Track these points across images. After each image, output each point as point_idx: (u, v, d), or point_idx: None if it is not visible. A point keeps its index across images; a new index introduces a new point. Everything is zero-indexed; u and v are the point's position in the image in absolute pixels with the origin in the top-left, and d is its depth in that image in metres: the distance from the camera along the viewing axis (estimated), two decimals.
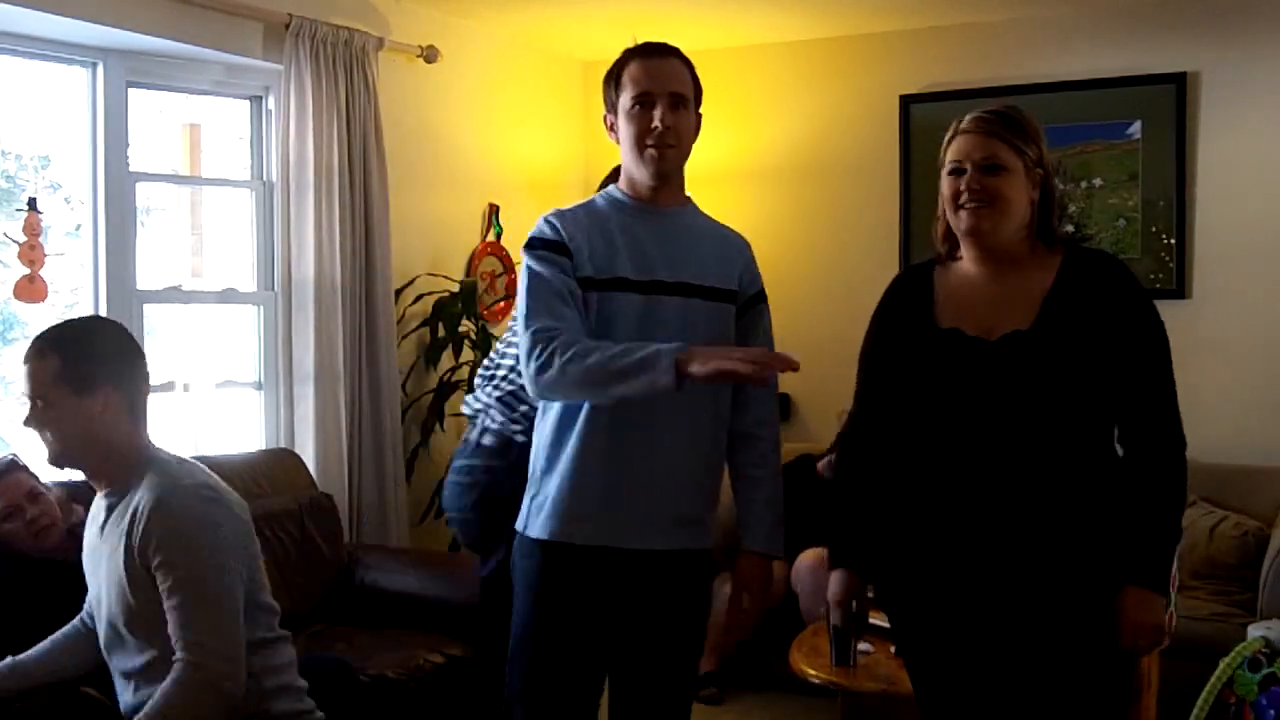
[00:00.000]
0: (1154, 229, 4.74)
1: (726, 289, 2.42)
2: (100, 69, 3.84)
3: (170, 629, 2.32)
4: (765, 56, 5.41)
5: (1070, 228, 4.77)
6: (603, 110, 2.47)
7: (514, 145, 5.23)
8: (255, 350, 4.33)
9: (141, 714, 2.28)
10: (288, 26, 4.09)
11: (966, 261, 2.27)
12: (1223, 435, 4.55)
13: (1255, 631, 3.38)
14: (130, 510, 2.38)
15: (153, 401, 2.55)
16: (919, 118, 5.09)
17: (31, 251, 3.59)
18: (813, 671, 3.27)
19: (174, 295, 4.21)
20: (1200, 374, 4.54)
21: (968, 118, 2.23)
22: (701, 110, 2.47)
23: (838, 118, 5.30)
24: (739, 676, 4.39)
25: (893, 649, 3.30)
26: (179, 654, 2.30)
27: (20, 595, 2.92)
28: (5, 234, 3.61)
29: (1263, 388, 4.58)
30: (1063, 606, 2.15)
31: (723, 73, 5.50)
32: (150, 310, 4.00)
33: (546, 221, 2.40)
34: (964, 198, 2.19)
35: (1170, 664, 3.39)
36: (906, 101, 5.12)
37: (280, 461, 4.03)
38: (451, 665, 3.53)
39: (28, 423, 2.40)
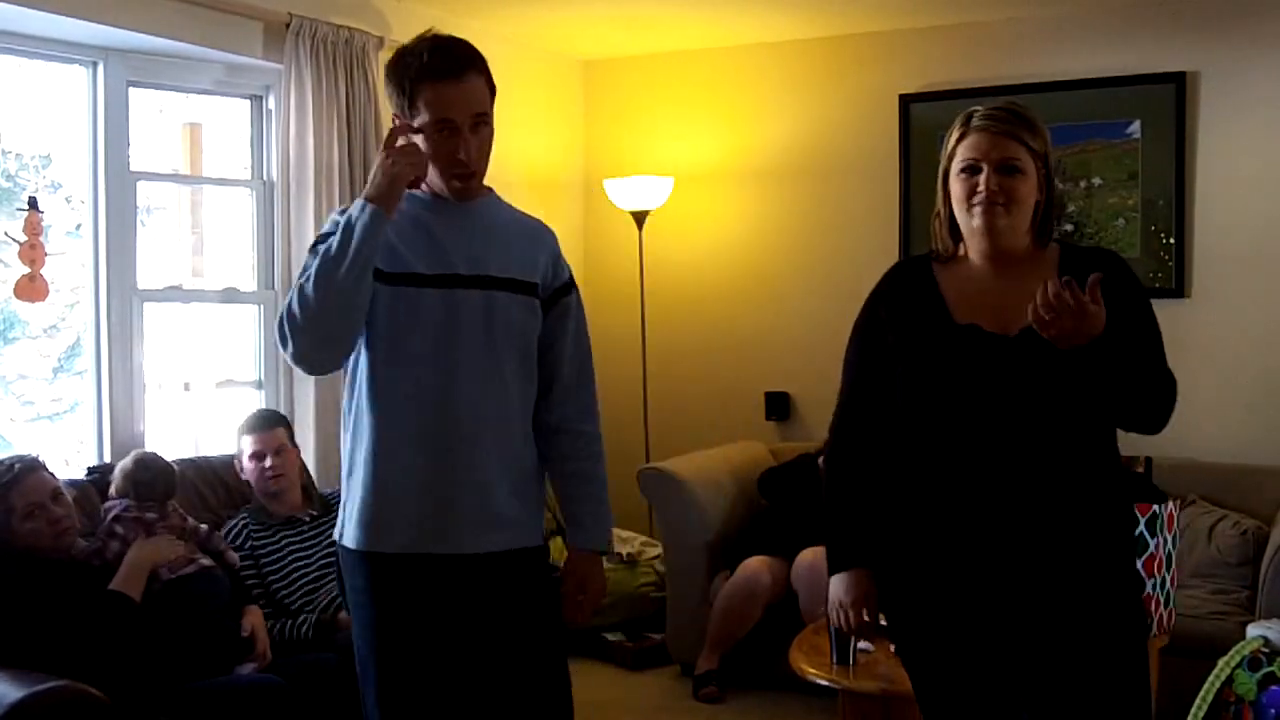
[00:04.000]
0: (1153, 228, 4.74)
1: (528, 281, 2.35)
2: (101, 68, 3.84)
3: None
4: (765, 56, 5.41)
5: (1070, 227, 4.78)
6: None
7: (514, 144, 5.22)
8: (255, 350, 4.33)
9: None
10: (288, 26, 4.09)
11: (973, 258, 2.24)
12: (1222, 435, 4.56)
13: (1255, 630, 3.38)
14: None
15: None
16: (919, 117, 5.09)
17: (32, 251, 3.59)
18: (813, 671, 3.27)
19: (174, 294, 4.21)
20: (1199, 373, 4.55)
21: (978, 115, 2.19)
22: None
23: (837, 117, 5.30)
24: (739, 676, 4.39)
25: (893, 648, 3.31)
26: None
27: (36, 596, 2.93)
28: (6, 233, 3.61)
29: (1262, 387, 4.58)
30: (1075, 604, 2.14)
31: (722, 72, 5.51)
32: (150, 309, 4.00)
33: (334, 216, 2.33)
34: (979, 197, 2.16)
35: (1169, 663, 3.40)
36: (906, 101, 5.12)
37: None
38: None
39: None
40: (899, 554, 2.26)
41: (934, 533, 2.21)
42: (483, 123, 2.31)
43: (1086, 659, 2.14)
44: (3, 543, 3.01)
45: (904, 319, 2.24)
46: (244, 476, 3.67)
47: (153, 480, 3.32)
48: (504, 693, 2.36)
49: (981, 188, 2.15)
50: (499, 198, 2.46)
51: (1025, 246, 2.22)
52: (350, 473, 2.34)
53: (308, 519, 3.59)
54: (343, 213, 2.28)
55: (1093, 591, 2.15)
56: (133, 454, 3.43)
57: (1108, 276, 2.14)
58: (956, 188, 2.20)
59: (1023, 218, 2.19)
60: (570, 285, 2.46)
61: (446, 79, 2.27)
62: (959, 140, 2.20)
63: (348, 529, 2.33)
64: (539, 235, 2.45)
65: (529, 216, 2.49)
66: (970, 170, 2.17)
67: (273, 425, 3.68)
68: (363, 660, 2.36)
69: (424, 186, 2.35)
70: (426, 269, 2.29)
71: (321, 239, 2.28)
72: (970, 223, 2.20)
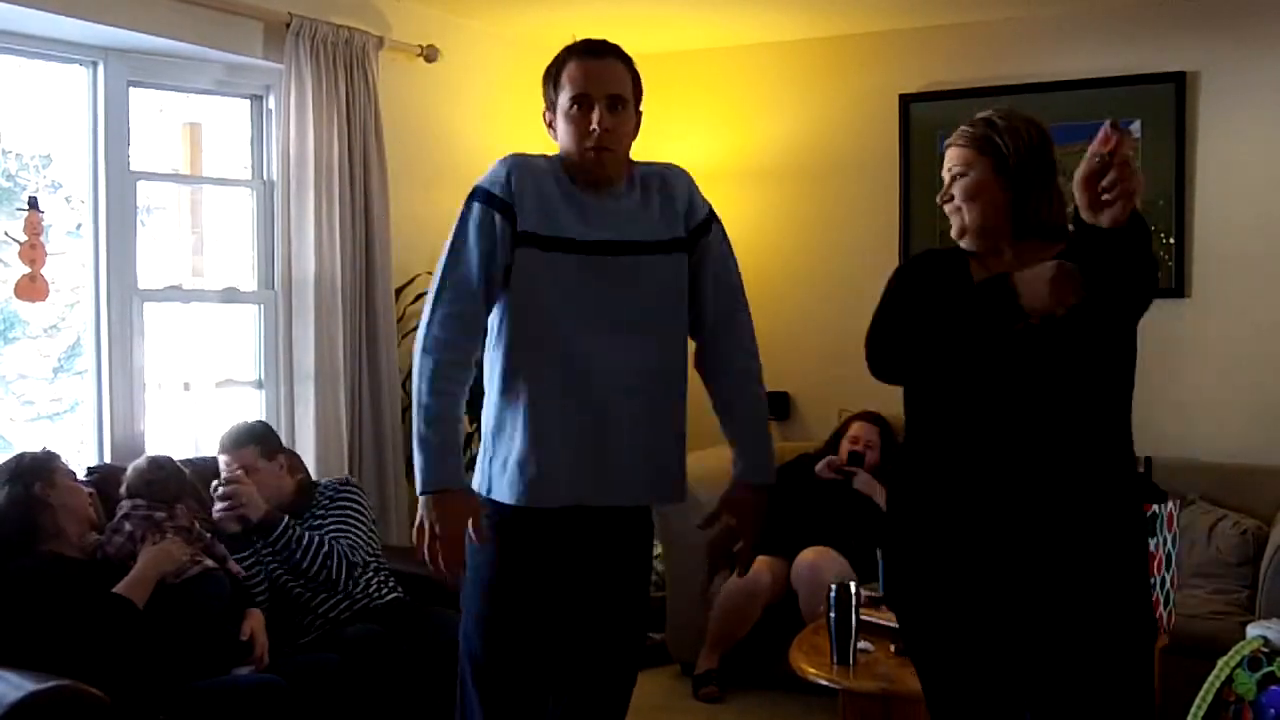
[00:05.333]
0: (1153, 228, 4.73)
1: (673, 238, 2.43)
2: (101, 68, 3.84)
3: None
4: (765, 56, 5.41)
5: (1070, 227, 4.77)
6: None
7: (514, 144, 5.19)
8: (255, 349, 4.33)
9: None
10: (288, 26, 4.09)
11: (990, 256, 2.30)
12: (1222, 434, 4.56)
13: (1254, 630, 3.38)
14: None
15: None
16: (919, 117, 5.09)
17: (32, 250, 3.59)
18: (813, 671, 3.27)
19: (174, 294, 4.21)
20: (1199, 373, 4.55)
21: (970, 121, 2.30)
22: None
23: (837, 117, 5.30)
24: (739, 675, 4.39)
25: (893, 648, 3.31)
26: None
27: (44, 591, 2.94)
28: (6, 233, 3.61)
29: (1261, 387, 4.58)
30: (1082, 601, 2.15)
31: (722, 72, 5.50)
32: (151, 309, 4.00)
33: (502, 169, 2.41)
34: (943, 196, 2.28)
35: (1169, 663, 3.39)
36: (906, 101, 5.12)
37: None
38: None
39: None
40: (910, 548, 2.27)
41: (945, 525, 2.22)
42: (620, 106, 2.38)
43: (1090, 659, 2.15)
44: (29, 526, 3.03)
45: (932, 287, 2.28)
46: None
47: (165, 481, 3.34)
48: (600, 639, 2.50)
49: (946, 185, 2.28)
50: (636, 167, 2.49)
51: (1004, 241, 2.26)
52: (498, 429, 2.40)
53: (281, 520, 3.49)
54: (514, 167, 2.40)
55: (1100, 590, 2.15)
56: (146, 455, 3.45)
57: None
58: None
59: (978, 215, 2.25)
60: (708, 223, 2.50)
61: (589, 56, 2.40)
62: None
63: (500, 484, 2.39)
64: (673, 181, 2.49)
65: (660, 165, 2.53)
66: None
67: (239, 445, 3.60)
68: (478, 603, 2.46)
69: (568, 167, 2.43)
70: (579, 235, 2.37)
71: (487, 197, 2.39)
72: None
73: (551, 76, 2.42)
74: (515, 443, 2.37)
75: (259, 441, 3.65)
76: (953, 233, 2.31)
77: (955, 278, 2.28)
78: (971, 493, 2.19)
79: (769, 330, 5.40)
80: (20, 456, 3.14)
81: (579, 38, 2.44)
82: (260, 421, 3.85)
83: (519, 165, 2.41)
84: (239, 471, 3.49)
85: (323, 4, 4.25)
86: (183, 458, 3.58)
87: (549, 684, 2.49)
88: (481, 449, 2.46)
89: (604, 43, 2.44)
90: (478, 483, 2.46)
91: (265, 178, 4.32)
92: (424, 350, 2.37)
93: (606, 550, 2.46)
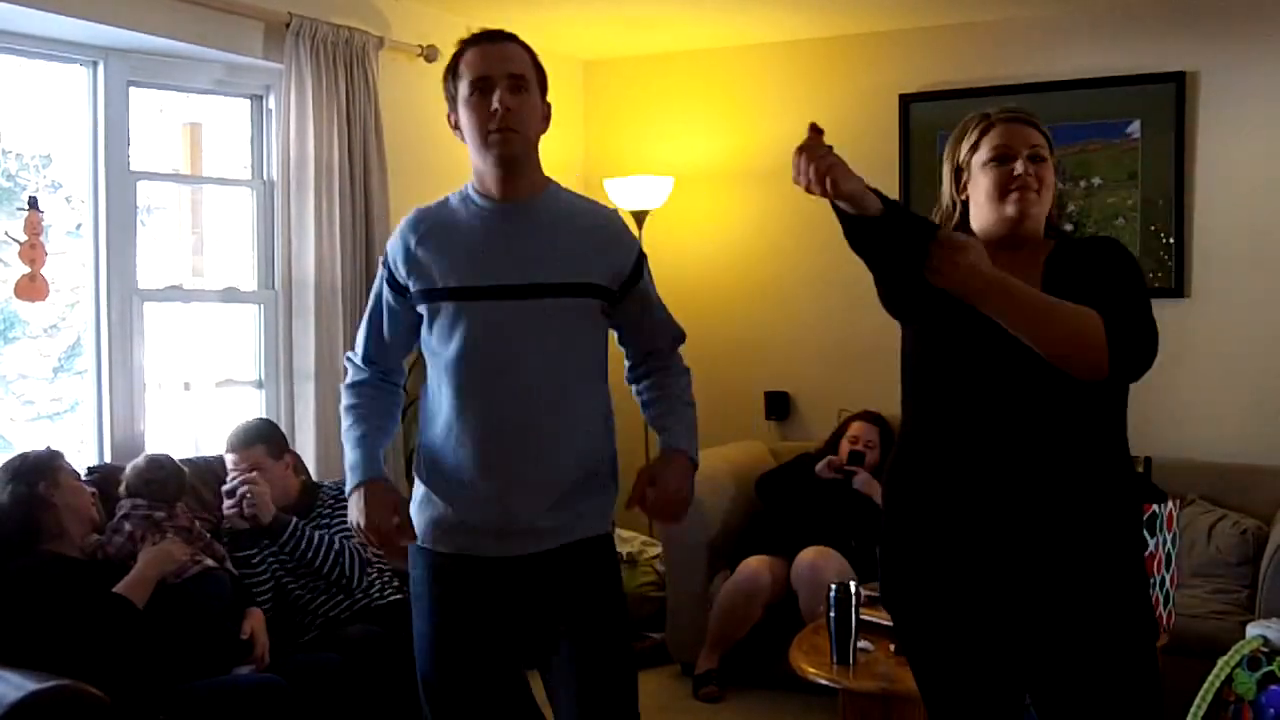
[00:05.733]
0: (1153, 228, 4.74)
1: (586, 283, 2.34)
2: (101, 68, 3.84)
3: None
4: (765, 56, 5.41)
5: (1070, 227, 4.78)
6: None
7: None
8: (256, 349, 4.33)
9: None
10: (288, 26, 4.09)
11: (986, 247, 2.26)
12: (1221, 434, 4.56)
13: (1254, 630, 3.38)
14: None
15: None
16: (919, 118, 5.09)
17: (32, 250, 3.59)
18: (813, 670, 3.27)
19: (175, 294, 4.22)
20: (1199, 373, 4.55)
21: (996, 111, 2.25)
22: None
23: (837, 117, 5.24)
24: (739, 675, 4.39)
25: (892, 648, 3.31)
26: None
27: (45, 591, 2.94)
28: (6, 233, 3.61)
29: (1261, 387, 4.58)
30: (1078, 596, 2.14)
31: (722, 72, 5.50)
32: (151, 309, 4.00)
33: (397, 234, 2.41)
34: (1016, 183, 2.19)
35: (1169, 662, 3.38)
36: (906, 101, 5.12)
37: None
38: None
39: None
40: (904, 547, 2.27)
41: (939, 522, 2.21)
42: (522, 87, 2.31)
43: (1090, 658, 2.14)
44: (32, 525, 3.03)
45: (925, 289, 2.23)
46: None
47: (165, 480, 3.34)
48: (570, 681, 2.40)
49: (1019, 172, 2.19)
50: (559, 187, 2.45)
51: (1040, 232, 2.25)
52: (419, 467, 2.42)
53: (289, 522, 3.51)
54: (410, 226, 2.41)
55: (1097, 588, 2.15)
56: (145, 454, 3.45)
57: (1103, 254, 2.16)
58: (985, 178, 2.23)
59: (1050, 203, 2.24)
60: (638, 269, 2.43)
61: (485, 42, 2.33)
62: (983, 133, 2.23)
63: (417, 525, 2.40)
64: (599, 230, 2.42)
65: (591, 205, 2.47)
66: (1002, 159, 2.21)
67: (247, 444, 3.61)
68: (419, 639, 2.43)
69: (477, 183, 2.38)
70: (475, 281, 2.30)
71: (383, 262, 2.43)
72: (1003, 210, 2.21)
73: (450, 71, 2.35)
74: (420, 488, 2.46)
75: (267, 441, 3.66)
76: (1011, 215, 2.19)
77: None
78: (965, 491, 2.18)
79: (769, 330, 5.47)
80: (24, 455, 3.14)
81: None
82: (267, 420, 3.86)
83: (413, 225, 2.39)
84: (253, 473, 3.49)
85: (323, 4, 4.25)
86: (183, 457, 3.58)
87: (504, 706, 2.42)
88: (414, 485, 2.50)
89: (500, 31, 2.36)
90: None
91: (265, 178, 4.32)
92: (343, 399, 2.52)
93: (548, 592, 2.37)
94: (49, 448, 3.20)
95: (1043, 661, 2.18)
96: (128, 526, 3.22)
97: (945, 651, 2.25)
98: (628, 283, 2.41)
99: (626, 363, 2.55)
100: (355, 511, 2.37)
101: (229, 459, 3.59)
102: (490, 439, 2.31)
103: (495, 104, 2.27)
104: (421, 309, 2.37)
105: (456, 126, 2.37)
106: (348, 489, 2.41)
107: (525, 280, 2.30)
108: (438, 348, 2.37)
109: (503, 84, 2.28)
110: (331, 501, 3.67)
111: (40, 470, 3.08)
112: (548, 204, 2.41)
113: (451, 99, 2.36)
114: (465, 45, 2.34)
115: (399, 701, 3.28)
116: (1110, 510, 2.17)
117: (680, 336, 2.55)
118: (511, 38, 2.36)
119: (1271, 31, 4.58)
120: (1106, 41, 4.81)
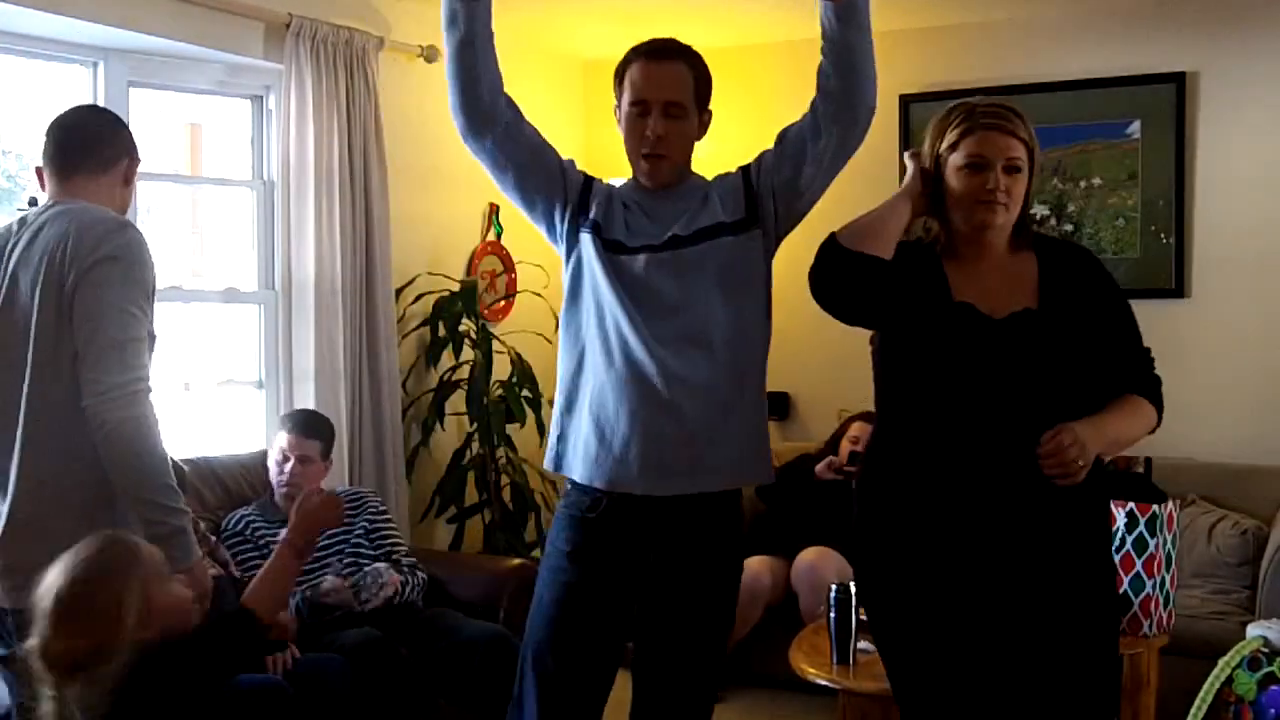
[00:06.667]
0: (1153, 228, 4.75)
1: (713, 224, 2.45)
2: (101, 68, 3.84)
3: None
4: (766, 55, 5.41)
5: (1069, 227, 4.78)
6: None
7: None
8: (256, 349, 4.33)
9: None
10: (288, 26, 4.09)
11: (957, 246, 2.29)
12: (1222, 435, 4.56)
13: (1254, 630, 3.38)
14: None
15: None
16: (919, 118, 5.09)
17: None
18: (813, 671, 3.27)
19: (175, 295, 4.21)
20: (1199, 373, 4.55)
21: (981, 109, 2.24)
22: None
23: None
24: (739, 675, 4.39)
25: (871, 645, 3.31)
26: None
27: None
28: None
29: (1261, 387, 4.59)
30: (1051, 591, 2.16)
31: (724, 72, 5.47)
32: None
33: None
34: (985, 197, 2.20)
35: (1169, 662, 3.40)
36: (906, 101, 5.12)
37: None
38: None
39: None
40: (879, 547, 2.28)
41: (915, 523, 2.23)
42: (677, 113, 2.38)
43: (1059, 646, 2.16)
44: None
45: (908, 288, 2.28)
46: (269, 464, 3.72)
47: None
48: (662, 655, 2.51)
49: (991, 186, 2.19)
50: (700, 179, 2.54)
51: (1006, 240, 2.27)
52: (568, 409, 2.40)
53: None
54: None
55: (1068, 579, 2.17)
56: None
57: (1085, 278, 2.18)
58: (957, 183, 2.23)
59: (1018, 214, 2.25)
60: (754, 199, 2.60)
61: (652, 59, 2.40)
62: (963, 135, 2.22)
63: (566, 461, 2.40)
64: (709, 184, 2.53)
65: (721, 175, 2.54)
66: (975, 168, 2.20)
67: (309, 435, 3.70)
68: (541, 592, 2.43)
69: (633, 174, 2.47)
70: (628, 240, 2.39)
71: None
72: (969, 217, 2.23)
73: (618, 76, 2.45)
74: (577, 422, 2.42)
75: (325, 440, 3.74)
76: (978, 225, 2.24)
77: (930, 276, 2.26)
78: (940, 490, 2.20)
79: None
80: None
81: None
82: (329, 420, 3.90)
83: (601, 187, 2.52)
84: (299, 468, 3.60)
85: (323, 4, 4.25)
86: (183, 458, 3.58)
87: (608, 681, 2.44)
88: (552, 424, 2.48)
89: (670, 45, 2.43)
90: (547, 460, 2.47)
91: (265, 178, 4.32)
92: None
93: (678, 541, 2.39)
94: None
95: (1010, 650, 2.18)
96: None
97: (919, 648, 2.25)
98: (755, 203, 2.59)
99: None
100: None
101: (284, 438, 3.66)
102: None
103: (649, 131, 2.36)
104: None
105: (620, 121, 2.46)
106: None
107: (666, 237, 2.43)
108: (592, 291, 2.41)
109: (657, 108, 2.37)
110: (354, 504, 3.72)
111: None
112: (691, 188, 2.53)
113: (617, 100, 2.46)
114: (634, 55, 2.42)
115: (401, 703, 3.28)
116: (1080, 506, 2.19)
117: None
118: (679, 54, 2.42)
119: (1271, 31, 4.58)
120: (1106, 41, 4.81)
